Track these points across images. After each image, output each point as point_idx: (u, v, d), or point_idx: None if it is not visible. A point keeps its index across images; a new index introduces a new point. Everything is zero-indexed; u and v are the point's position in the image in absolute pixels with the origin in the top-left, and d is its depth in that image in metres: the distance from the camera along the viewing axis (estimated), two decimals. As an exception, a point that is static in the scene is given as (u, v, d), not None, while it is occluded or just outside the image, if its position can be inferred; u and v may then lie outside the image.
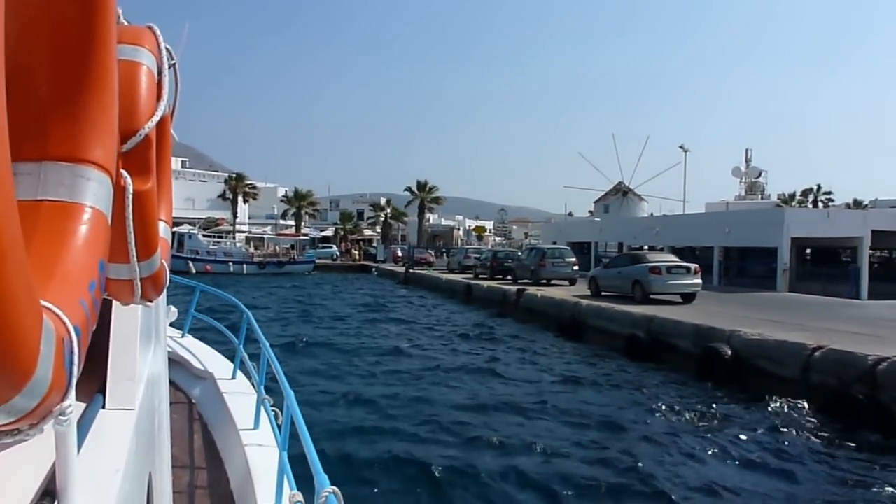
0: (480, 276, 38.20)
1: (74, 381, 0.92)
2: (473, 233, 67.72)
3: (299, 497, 3.35)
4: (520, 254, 38.62)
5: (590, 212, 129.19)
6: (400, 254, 70.93)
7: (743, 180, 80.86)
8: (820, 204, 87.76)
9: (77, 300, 0.95)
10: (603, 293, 24.77)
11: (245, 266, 58.67)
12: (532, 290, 28.08)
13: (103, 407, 2.26)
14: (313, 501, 2.66)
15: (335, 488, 2.59)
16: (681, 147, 57.53)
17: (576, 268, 31.60)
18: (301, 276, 59.30)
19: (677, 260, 23.17)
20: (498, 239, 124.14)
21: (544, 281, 31.07)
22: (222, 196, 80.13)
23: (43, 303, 0.84)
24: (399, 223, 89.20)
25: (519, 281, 33.28)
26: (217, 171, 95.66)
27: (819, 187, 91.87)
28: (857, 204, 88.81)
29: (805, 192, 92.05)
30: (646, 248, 40.06)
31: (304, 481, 3.17)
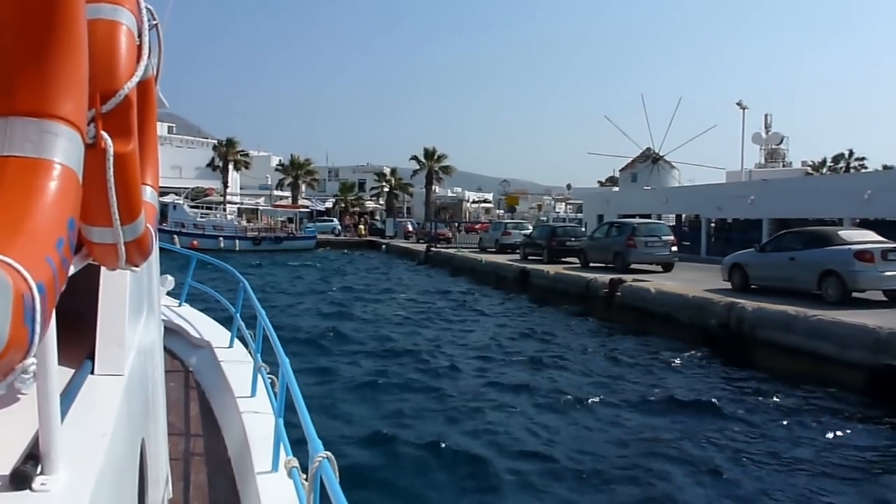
0: (530, 258, 30.78)
1: (38, 338, 0.91)
2: (505, 203, 60.01)
3: (295, 462, 3.43)
4: (580, 228, 31.10)
5: (599, 182, 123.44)
6: (410, 228, 63.45)
7: (763, 147, 74.27)
8: (852, 170, 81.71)
9: (42, 257, 0.94)
10: (753, 286, 17.49)
11: (238, 241, 51.19)
12: (629, 279, 20.74)
13: (92, 373, 2.19)
14: (308, 466, 2.69)
15: (329, 453, 2.61)
16: (738, 104, 49.95)
17: (674, 248, 24.23)
18: (301, 252, 51.94)
19: (887, 241, 15.71)
20: (499, 212, 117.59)
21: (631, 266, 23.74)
22: (211, 164, 72.22)
23: (1, 258, 0.86)
24: (405, 195, 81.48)
25: (590, 265, 25.97)
26: (207, 139, 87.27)
27: (851, 152, 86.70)
28: (887, 169, 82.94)
29: (836, 158, 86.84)
30: (716, 220, 32.79)
31: (301, 447, 3.08)
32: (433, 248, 42.45)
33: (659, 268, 24.19)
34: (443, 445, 9.13)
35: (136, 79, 1.43)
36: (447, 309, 22.95)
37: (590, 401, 11.50)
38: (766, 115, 73.85)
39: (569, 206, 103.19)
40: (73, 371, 2.12)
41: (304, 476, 2.99)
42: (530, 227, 38.30)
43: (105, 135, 1.32)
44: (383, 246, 55.49)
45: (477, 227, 69.17)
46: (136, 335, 2.60)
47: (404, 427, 10.07)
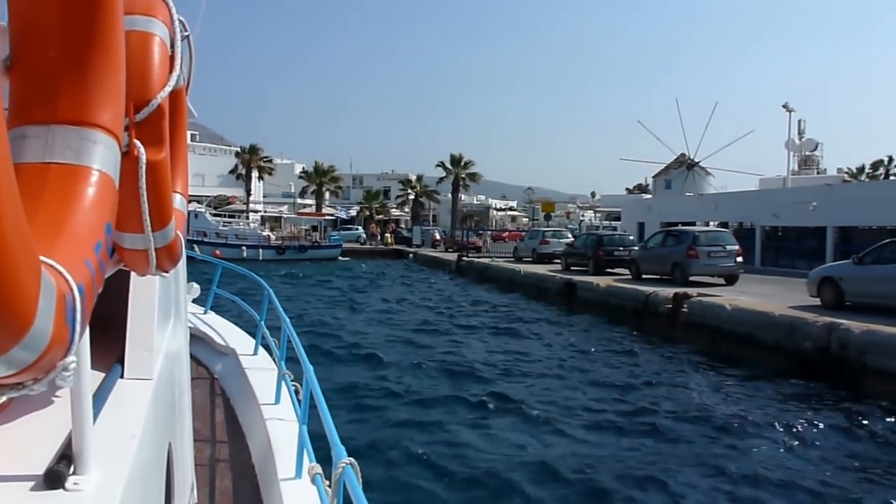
0: (573, 269, 28.73)
1: (78, 337, 0.95)
2: (541, 211, 57.93)
3: (318, 469, 3.48)
4: (629, 237, 28.96)
5: (627, 190, 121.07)
6: (438, 237, 61.55)
7: (796, 154, 71.75)
8: (892, 177, 79.40)
9: (82, 260, 0.99)
10: (848, 303, 15.38)
11: (261, 251, 49.59)
12: (694, 293, 18.70)
13: (121, 377, 2.23)
14: (331, 472, 2.72)
15: (352, 459, 2.61)
16: (784, 106, 47.64)
17: (739, 259, 22.10)
18: (326, 262, 50.24)
19: None
20: (525, 219, 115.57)
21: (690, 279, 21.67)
22: (234, 172, 70.83)
23: (45, 259, 0.89)
24: (431, 202, 79.58)
25: (643, 277, 23.92)
26: (230, 146, 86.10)
27: (891, 158, 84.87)
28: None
29: (875, 165, 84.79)
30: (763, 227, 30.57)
31: (325, 454, 3.05)
32: (465, 258, 40.50)
33: (720, 280, 22.14)
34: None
35: (168, 89, 1.46)
36: (501, 324, 21.04)
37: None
38: (799, 121, 71.35)
39: (597, 214, 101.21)
40: (103, 374, 2.14)
41: (328, 482, 2.99)
42: (570, 236, 36.25)
43: (138, 143, 1.36)
44: (410, 255, 53.67)
45: (504, 235, 67.27)
46: (164, 341, 2.62)
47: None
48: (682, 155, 66.33)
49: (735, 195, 38.81)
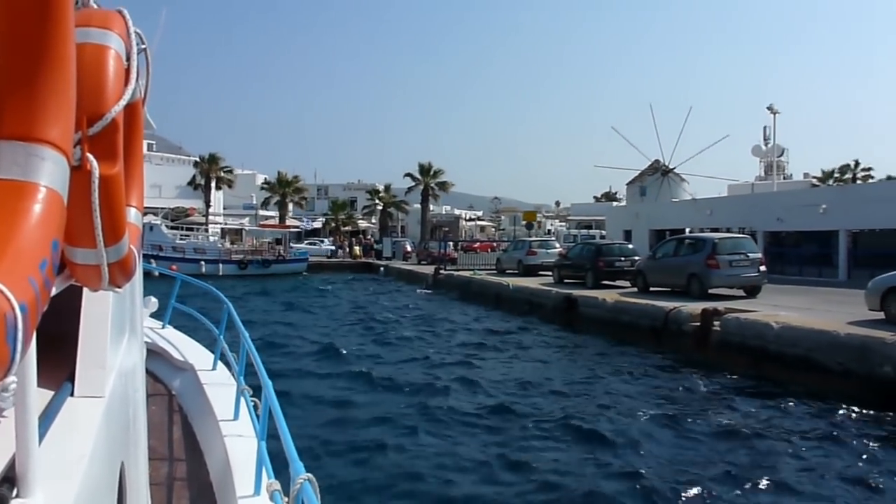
0: (566, 281, 26.22)
1: (19, 357, 0.94)
2: (522, 220, 55.50)
3: (277, 486, 3.45)
4: (629, 246, 26.46)
5: (595, 198, 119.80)
6: (409, 248, 58.77)
7: (763, 159, 71.20)
8: (858, 181, 78.96)
9: (26, 278, 0.97)
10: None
11: (221, 265, 46.37)
12: (722, 309, 16.29)
13: (71, 395, 2.18)
14: (290, 489, 2.68)
15: (310, 475, 2.60)
16: (769, 108, 46.03)
17: (763, 268, 19.75)
18: (292, 277, 47.22)
19: None
20: (493, 229, 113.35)
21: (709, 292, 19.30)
22: (192, 183, 67.18)
23: None
24: (400, 213, 76.78)
25: (651, 290, 21.50)
26: (188, 156, 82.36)
27: (857, 163, 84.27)
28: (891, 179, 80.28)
29: (842, 169, 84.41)
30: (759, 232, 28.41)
31: (284, 470, 3.01)
32: (443, 271, 37.77)
33: (739, 292, 19.80)
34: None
35: (123, 102, 1.44)
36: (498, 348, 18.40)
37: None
38: (764, 128, 70.63)
39: (563, 223, 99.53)
40: (52, 393, 2.09)
41: (287, 499, 2.94)
42: (558, 246, 33.74)
43: (91, 157, 1.33)
44: (381, 268, 50.72)
45: (476, 246, 64.83)
46: (117, 357, 2.58)
47: None
48: (657, 161, 64.84)
49: (733, 199, 36.81)
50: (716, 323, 15.82)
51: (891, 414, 10.90)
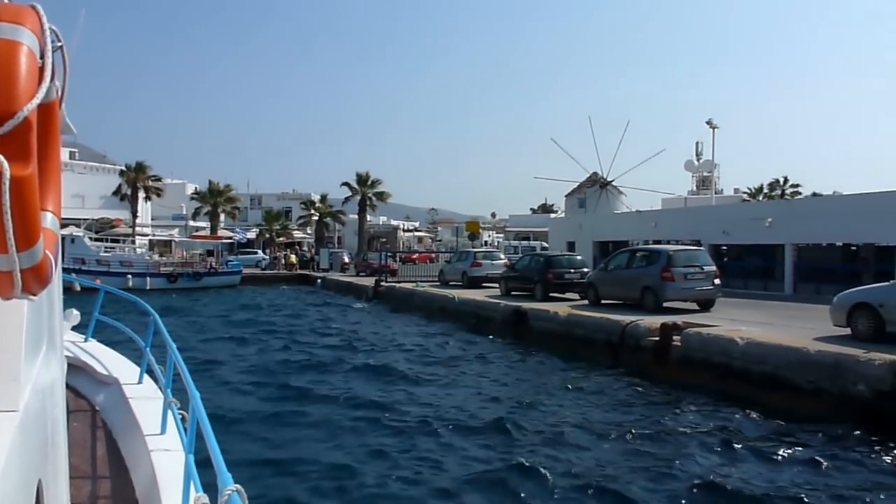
0: (514, 293, 25.51)
1: None
2: (465, 231, 54.58)
3: (205, 499, 3.34)
4: (578, 257, 25.82)
5: (532, 210, 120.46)
6: (347, 260, 57.43)
7: (695, 174, 72.90)
8: (787, 196, 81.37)
9: None
10: (890, 331, 12.61)
11: (149, 279, 44.20)
12: (682, 324, 15.76)
13: None
14: (217, 502, 2.58)
15: (238, 486, 2.51)
16: (708, 123, 46.42)
17: (717, 281, 19.36)
18: (225, 290, 45.42)
19: None
20: (430, 239, 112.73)
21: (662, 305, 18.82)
22: (118, 193, 64.27)
23: None
24: (337, 223, 75.25)
25: (602, 303, 20.94)
26: (114, 165, 79.14)
27: (786, 179, 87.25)
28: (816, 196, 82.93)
29: (772, 185, 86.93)
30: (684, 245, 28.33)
31: (213, 484, 2.82)
32: (384, 283, 36.66)
33: (693, 306, 19.40)
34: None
35: (36, 101, 1.38)
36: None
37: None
38: (697, 143, 72.43)
39: (500, 235, 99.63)
40: None
41: None
42: (502, 257, 33.03)
43: (1, 157, 1.30)
44: (318, 280, 49.24)
45: (414, 257, 63.94)
46: (33, 370, 2.49)
47: None
48: (595, 173, 65.30)
49: (680, 211, 36.82)
50: (676, 338, 15.24)
51: (876, 439, 10.37)
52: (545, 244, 58.41)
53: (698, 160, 70.85)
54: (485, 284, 30.52)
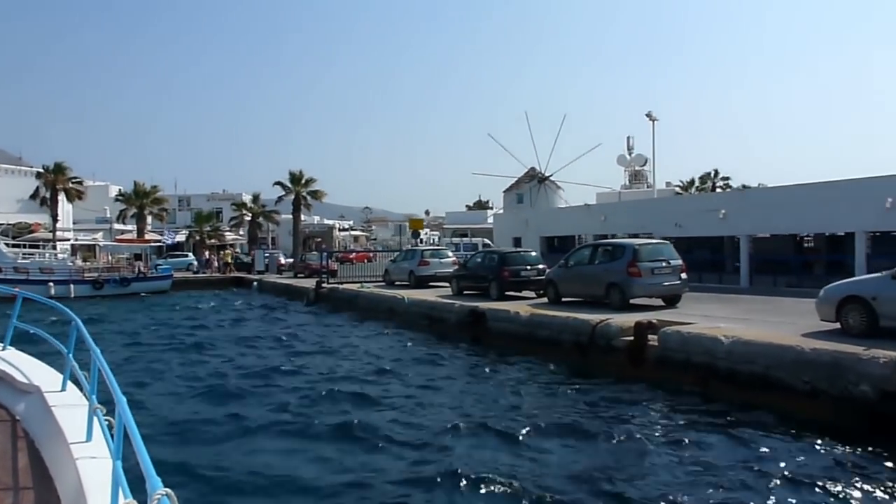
0: (466, 293, 24.47)
1: None
2: (408, 228, 53.29)
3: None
4: (533, 253, 24.84)
5: (468, 207, 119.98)
6: (283, 261, 55.46)
7: (627, 168, 74.03)
8: (718, 190, 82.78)
9: None
10: (883, 326, 12.00)
11: (73, 286, 41.47)
12: (657, 322, 14.98)
13: None
14: None
15: (168, 490, 2.52)
16: (647, 115, 46.26)
17: (684, 276, 18.68)
18: (155, 295, 43.12)
19: None
20: (364, 238, 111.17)
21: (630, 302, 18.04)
22: (36, 196, 60.63)
23: None
24: (270, 224, 72.89)
25: (563, 300, 20.10)
26: (30, 167, 74.89)
27: (716, 172, 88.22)
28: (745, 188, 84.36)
29: (703, 178, 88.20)
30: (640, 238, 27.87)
31: (142, 489, 2.82)
32: (325, 284, 35.14)
33: (658, 301, 18.71)
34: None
35: None
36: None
37: None
38: (628, 138, 73.12)
39: (434, 233, 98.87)
40: None
41: None
42: (450, 255, 31.90)
43: None
44: (255, 283, 47.26)
45: (352, 256, 62.40)
46: None
47: None
48: (532, 169, 64.97)
49: (629, 204, 36.39)
50: (652, 337, 14.42)
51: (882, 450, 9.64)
52: (487, 241, 57.62)
53: (630, 154, 71.55)
54: (432, 284, 29.47)
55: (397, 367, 17.00)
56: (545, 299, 21.38)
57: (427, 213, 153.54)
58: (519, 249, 25.90)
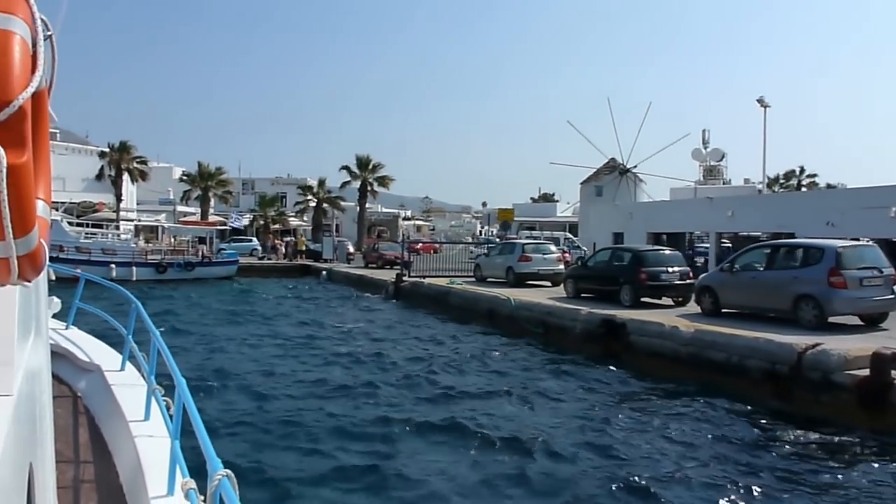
0: (584, 296, 20.90)
1: None
2: (497, 220, 50.19)
3: (192, 484, 3.34)
4: (673, 252, 20.94)
5: (532, 199, 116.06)
6: (352, 249, 52.51)
7: (702, 163, 69.31)
8: (803, 188, 77.64)
9: None
10: None
11: (135, 269, 39.24)
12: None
13: None
14: (206, 487, 2.60)
15: (228, 471, 2.52)
16: (759, 101, 41.93)
17: (896, 288, 14.78)
18: (220, 282, 40.65)
19: None
20: (422, 226, 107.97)
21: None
22: (101, 175, 58.97)
23: None
24: (336, 210, 70.13)
25: (723, 311, 16.36)
26: (95, 147, 73.66)
27: (802, 169, 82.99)
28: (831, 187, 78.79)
29: (787, 175, 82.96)
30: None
31: (199, 469, 2.94)
32: (406, 278, 31.82)
33: (852, 320, 14.86)
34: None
35: (31, 89, 1.38)
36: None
37: None
38: (703, 131, 68.83)
39: (486, 226, 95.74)
40: None
41: (203, 497, 2.88)
42: (553, 249, 28.12)
43: None
44: (324, 272, 44.29)
45: (419, 247, 59.26)
46: (24, 355, 2.50)
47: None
48: (613, 159, 61.17)
49: (763, 199, 32.23)
50: (899, 375, 10.67)
51: None
52: (569, 235, 53.83)
53: (706, 148, 67.13)
54: (530, 283, 25.97)
55: (532, 394, 13.58)
56: (686, 308, 17.84)
57: (484, 204, 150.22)
58: (658, 247, 22.05)
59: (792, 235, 23.84)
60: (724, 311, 16.49)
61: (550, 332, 19.23)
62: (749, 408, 12.04)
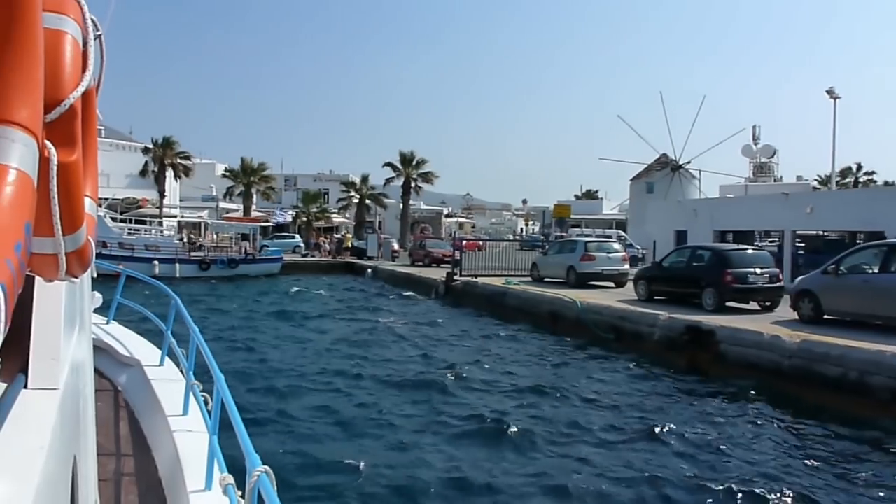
0: (657, 298, 19.31)
1: (1, 337, 0.95)
2: (552, 216, 48.63)
3: (230, 479, 3.33)
4: (763, 253, 19.13)
5: (576, 196, 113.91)
6: (397, 247, 51.32)
7: (752, 160, 66.90)
8: (860, 185, 74.67)
9: (3, 259, 0.97)
10: None
11: (178, 265, 38.60)
12: None
13: (25, 387, 2.12)
14: (245, 483, 2.59)
15: (267, 468, 2.49)
16: (828, 92, 39.64)
17: None
18: (264, 279, 39.77)
19: None
20: (462, 223, 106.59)
21: None
22: (144, 171, 58.67)
23: None
24: (378, 207, 69.11)
25: (825, 318, 14.68)
26: (139, 143, 73.66)
27: (860, 166, 79.83)
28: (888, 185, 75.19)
29: (843, 172, 79.89)
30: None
31: (237, 465, 2.91)
32: (456, 278, 30.37)
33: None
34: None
35: (81, 88, 1.40)
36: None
37: None
38: (754, 127, 66.39)
39: (530, 223, 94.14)
40: (5, 385, 2.02)
41: (241, 493, 2.86)
42: (617, 247, 26.42)
43: (49, 144, 1.30)
44: (369, 270, 43.09)
45: (463, 244, 57.82)
46: (69, 349, 2.51)
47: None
48: (665, 155, 59.24)
49: (847, 194, 30.39)
50: None
51: None
52: (621, 233, 51.94)
53: (756, 145, 64.81)
54: (592, 284, 24.41)
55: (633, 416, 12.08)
56: (776, 314, 16.21)
57: (524, 202, 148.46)
58: (743, 247, 20.27)
59: (881, 234, 21.88)
60: (826, 317, 14.78)
61: (623, 338, 17.67)
62: (884, 434, 10.42)
